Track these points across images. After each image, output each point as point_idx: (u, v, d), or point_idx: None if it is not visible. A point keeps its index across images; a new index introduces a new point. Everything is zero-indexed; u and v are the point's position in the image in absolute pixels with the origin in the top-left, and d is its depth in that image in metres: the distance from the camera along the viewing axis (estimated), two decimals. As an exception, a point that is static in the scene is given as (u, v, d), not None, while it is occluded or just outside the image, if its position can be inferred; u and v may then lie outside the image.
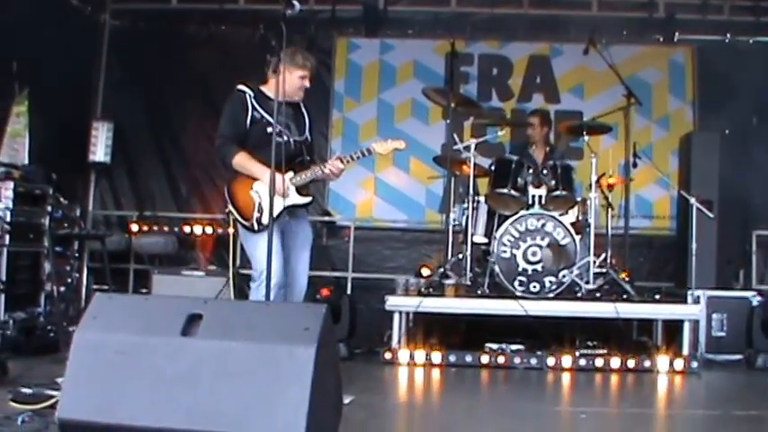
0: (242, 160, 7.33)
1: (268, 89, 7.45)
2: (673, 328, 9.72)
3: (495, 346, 9.36)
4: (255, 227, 7.25)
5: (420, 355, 9.07)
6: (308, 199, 7.54)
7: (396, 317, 9.32)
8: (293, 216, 7.50)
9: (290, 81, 7.31)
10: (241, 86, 7.47)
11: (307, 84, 7.55)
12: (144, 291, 11.66)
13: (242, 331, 4.45)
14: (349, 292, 11.72)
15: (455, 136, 10.44)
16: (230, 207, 7.38)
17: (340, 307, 9.77)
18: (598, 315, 9.38)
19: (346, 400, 6.06)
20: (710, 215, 10.29)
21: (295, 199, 7.41)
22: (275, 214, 6.66)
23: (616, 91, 10.95)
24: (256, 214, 7.26)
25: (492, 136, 10.70)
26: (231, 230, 7.74)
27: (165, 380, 4.39)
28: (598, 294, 9.71)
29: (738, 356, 9.99)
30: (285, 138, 7.10)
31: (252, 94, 7.41)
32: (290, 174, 7.33)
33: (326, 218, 12.87)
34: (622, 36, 12.95)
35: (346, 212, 12.95)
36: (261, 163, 7.17)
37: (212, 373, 4.34)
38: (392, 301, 9.32)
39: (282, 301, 7.10)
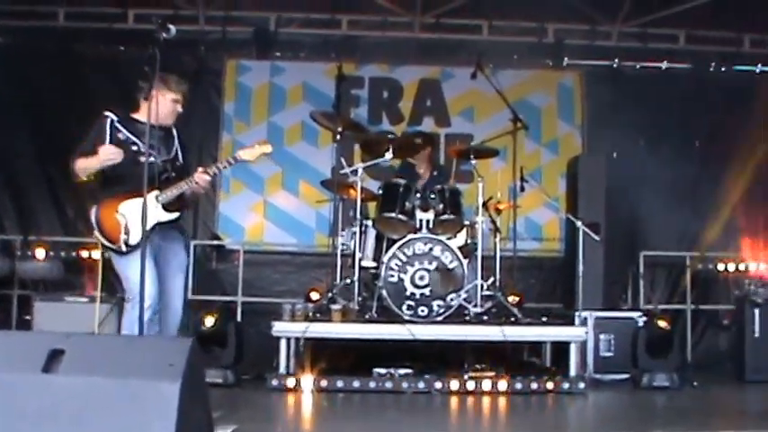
0: (82, 161, 7.06)
1: (139, 115, 7.22)
2: (562, 349, 9.75)
3: (383, 370, 9.27)
4: (124, 248, 7.00)
5: (307, 381, 8.95)
6: (175, 215, 7.29)
7: (282, 343, 9.19)
8: (165, 239, 7.27)
9: (163, 105, 7.12)
10: (107, 112, 7.20)
11: (179, 108, 7.37)
12: (27, 317, 11.34)
13: (105, 367, 4.31)
14: (239, 316, 11.60)
15: (342, 160, 10.39)
16: (96, 232, 7.15)
17: (226, 333, 9.61)
18: (486, 338, 9.37)
19: (228, 430, 5.96)
20: (597, 238, 10.38)
21: (162, 216, 7.17)
22: (142, 234, 6.52)
23: (506, 114, 10.98)
24: (123, 236, 7.00)
25: (381, 160, 10.66)
26: (100, 256, 7.53)
27: (27, 418, 4.24)
28: (486, 318, 9.72)
29: (625, 376, 10.11)
30: (152, 158, 6.86)
31: (117, 119, 7.16)
32: (156, 192, 7.08)
33: (216, 242, 12.77)
34: (512, 60, 13.12)
35: (236, 236, 12.84)
36: (122, 189, 7.02)
37: (75, 411, 4.20)
38: (278, 327, 9.19)
39: (156, 325, 6.95)
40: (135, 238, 6.88)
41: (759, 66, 13.76)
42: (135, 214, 6.75)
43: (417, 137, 11.42)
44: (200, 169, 7.24)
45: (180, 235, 7.56)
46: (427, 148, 11.21)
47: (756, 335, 10.70)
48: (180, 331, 7.64)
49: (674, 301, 12.91)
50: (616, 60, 13.44)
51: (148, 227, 6.59)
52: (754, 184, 12.99)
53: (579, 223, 10.36)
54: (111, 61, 12.76)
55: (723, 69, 13.51)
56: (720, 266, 12.67)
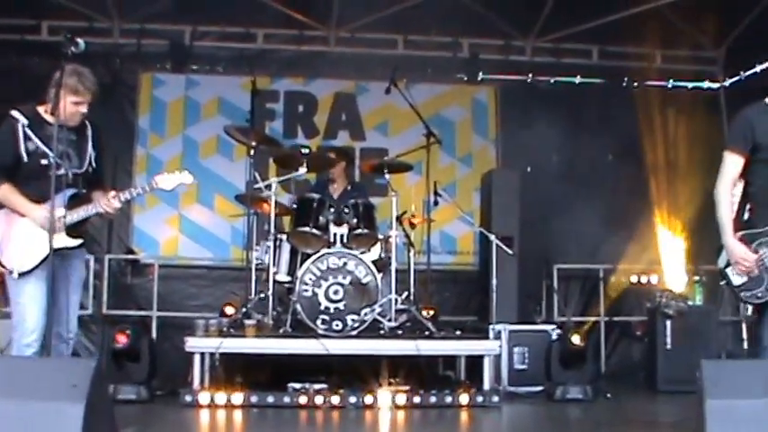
0: (5, 193, 6.61)
1: (46, 112, 6.67)
2: (476, 362, 9.80)
3: (297, 385, 9.23)
4: (16, 276, 6.51)
5: (221, 397, 8.89)
6: (77, 241, 6.80)
7: (196, 358, 9.11)
8: (65, 258, 6.69)
9: (65, 105, 6.53)
10: (14, 113, 6.65)
11: (82, 109, 6.72)
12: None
13: (8, 388, 4.24)
14: (154, 331, 11.51)
15: (257, 175, 10.34)
16: None
17: (140, 348, 9.52)
18: (400, 353, 9.39)
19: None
20: (510, 252, 10.48)
21: (64, 241, 6.64)
22: (37, 262, 6.38)
23: (421, 128, 11.01)
24: (18, 260, 6.54)
25: (296, 174, 10.62)
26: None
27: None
28: (400, 332, 9.74)
29: (539, 388, 10.19)
30: (62, 170, 6.49)
31: (26, 122, 6.61)
32: (62, 211, 6.55)
33: (130, 256, 12.63)
34: (427, 75, 13.18)
35: (150, 250, 12.71)
36: (28, 198, 6.57)
37: (-25, 434, 4.13)
38: (192, 343, 9.11)
39: (43, 350, 6.44)
40: (30, 263, 6.50)
41: (671, 81, 13.96)
42: (32, 236, 6.49)
43: (332, 151, 11.42)
44: (111, 194, 6.80)
45: (81, 250, 7.01)
46: (342, 163, 11.19)
47: (668, 346, 10.90)
48: (94, 347, 7.48)
49: (587, 313, 13.05)
50: (530, 75, 13.55)
51: (45, 255, 6.29)
52: (666, 197, 13.18)
53: (493, 237, 10.46)
54: (24, 72, 12.51)
55: (636, 84, 13.68)
56: (633, 278, 12.83)
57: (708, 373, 5.08)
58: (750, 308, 6.41)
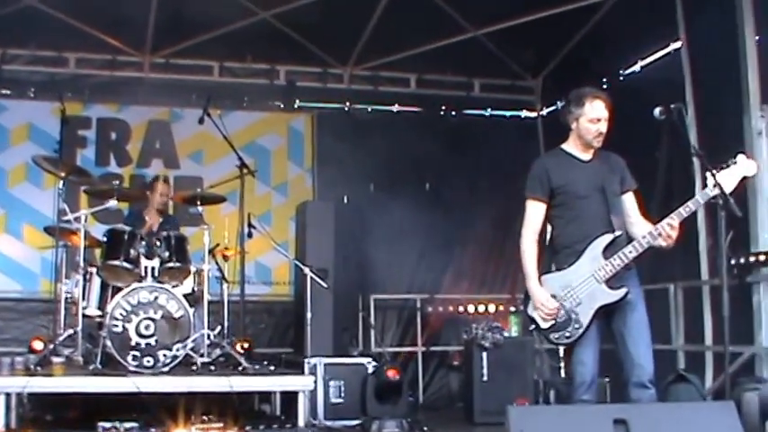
0: None
1: None
2: (292, 396, 9.68)
3: (107, 424, 8.90)
4: None
5: (28, 438, 8.59)
6: None
7: (1, 399, 8.75)
8: None
9: None
10: None
11: None
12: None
13: None
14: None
15: (66, 207, 10.00)
16: None
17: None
18: (212, 390, 9.20)
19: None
20: (324, 285, 10.41)
21: None
22: None
23: (236, 157, 10.84)
24: None
25: (106, 206, 10.32)
26: None
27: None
28: (213, 368, 9.54)
29: (355, 422, 10.11)
30: None
31: None
32: None
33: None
34: (243, 102, 13.06)
35: (-43, 282, 12.23)
36: None
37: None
38: (-4, 383, 8.77)
39: None
40: None
41: (489, 110, 14.18)
42: None
43: (145, 181, 11.20)
44: None
45: None
46: (155, 194, 10.98)
47: (484, 378, 10.94)
48: None
49: (405, 344, 13.10)
50: (348, 103, 13.58)
51: None
52: (483, 227, 13.35)
53: (307, 270, 10.37)
54: None
55: (454, 113, 13.83)
56: (450, 308, 12.94)
57: (513, 418, 5.10)
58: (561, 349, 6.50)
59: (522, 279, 13.14)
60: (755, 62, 9.56)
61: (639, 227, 6.54)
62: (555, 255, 6.56)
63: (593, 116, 6.51)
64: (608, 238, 6.36)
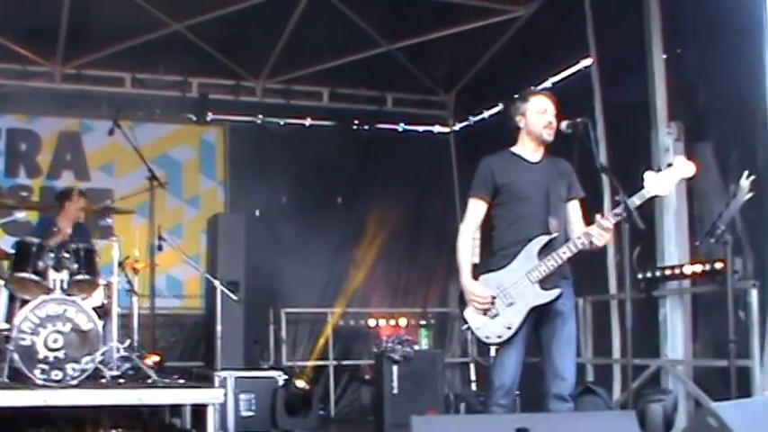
0: None
1: None
2: (203, 409, 9.62)
3: (14, 439, 8.86)
4: None
5: (-70, 453, 8.44)
6: None
7: None
8: None
9: None
10: None
11: None
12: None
13: None
14: None
15: (-28, 219, 9.90)
16: None
17: None
18: (121, 403, 9.11)
19: None
20: (235, 298, 10.38)
21: None
22: None
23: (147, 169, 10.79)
24: None
25: (16, 217, 10.18)
26: None
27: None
28: (122, 381, 9.46)
29: (266, 435, 10.12)
30: None
31: None
32: None
33: None
34: (155, 114, 12.96)
35: None
36: None
37: None
38: None
39: None
40: None
41: (402, 124, 14.26)
42: None
43: (56, 193, 11.07)
44: None
45: None
46: (65, 205, 10.85)
47: (395, 391, 10.95)
48: None
49: (316, 357, 13.08)
50: (260, 116, 13.55)
51: None
52: (393, 241, 13.41)
53: (217, 283, 10.34)
54: None
55: (366, 127, 13.86)
56: (361, 322, 12.97)
57: (417, 428, 5.12)
58: (492, 350, 6.43)
59: (432, 293, 13.42)
60: (663, 79, 9.78)
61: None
62: (492, 255, 6.50)
63: (539, 107, 6.47)
64: (544, 239, 6.33)
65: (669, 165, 6.50)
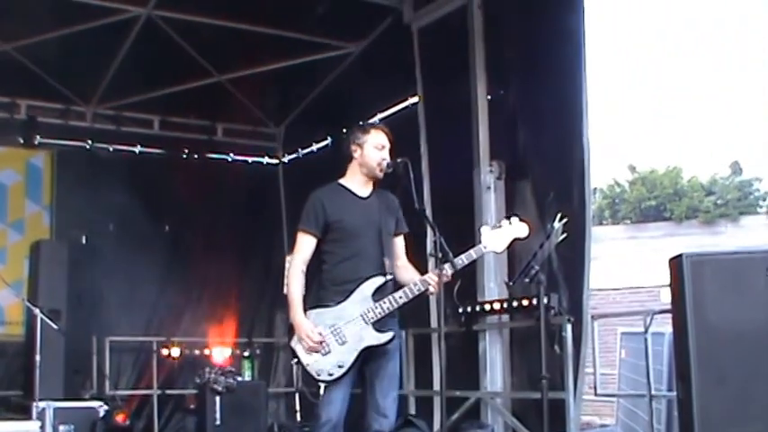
0: None
1: None
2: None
3: None
4: None
5: None
6: None
7: None
8: None
9: None
10: None
11: None
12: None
13: None
14: None
15: None
16: None
17: None
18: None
19: None
20: (55, 327, 10.16)
21: None
22: None
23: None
24: None
25: None
26: None
27: None
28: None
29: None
30: None
31: None
32: None
33: None
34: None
35: None
36: None
37: None
38: None
39: None
40: None
41: (231, 155, 14.26)
42: None
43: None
44: None
45: None
46: None
47: (217, 422, 10.89)
48: None
49: (141, 386, 12.92)
50: (90, 142, 13.35)
51: None
52: (220, 270, 13.38)
53: (37, 311, 10.13)
54: None
55: (196, 156, 13.80)
56: (187, 351, 12.88)
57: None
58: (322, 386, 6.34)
59: (258, 323, 13.40)
60: (486, 119, 10.01)
61: (406, 271, 6.55)
62: (323, 290, 6.40)
63: (377, 142, 6.42)
64: (379, 280, 6.31)
65: (508, 217, 6.62)
